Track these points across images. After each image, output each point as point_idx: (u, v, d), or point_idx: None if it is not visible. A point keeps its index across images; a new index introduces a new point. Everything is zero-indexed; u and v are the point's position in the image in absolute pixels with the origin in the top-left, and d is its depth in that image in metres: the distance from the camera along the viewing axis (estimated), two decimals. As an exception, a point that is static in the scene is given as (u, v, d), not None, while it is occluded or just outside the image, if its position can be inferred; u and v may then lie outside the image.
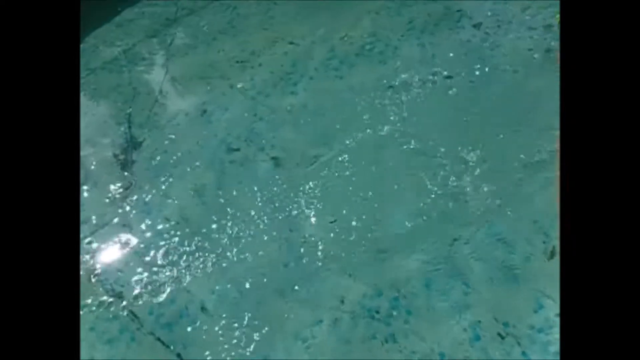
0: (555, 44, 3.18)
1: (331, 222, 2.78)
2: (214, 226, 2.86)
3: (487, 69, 3.15)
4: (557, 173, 0.85)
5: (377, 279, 2.53)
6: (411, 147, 2.93)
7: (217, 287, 2.66)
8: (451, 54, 3.27)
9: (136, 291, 2.71)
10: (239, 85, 3.41)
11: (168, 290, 2.68)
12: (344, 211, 2.78)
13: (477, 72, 3.15)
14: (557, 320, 2.26)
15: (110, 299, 2.69)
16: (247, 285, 2.64)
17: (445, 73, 3.19)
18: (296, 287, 2.59)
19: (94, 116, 3.35)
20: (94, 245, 2.89)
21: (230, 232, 2.83)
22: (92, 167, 3.14)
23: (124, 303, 2.67)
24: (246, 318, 2.54)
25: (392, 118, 3.07)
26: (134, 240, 2.88)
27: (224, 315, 2.57)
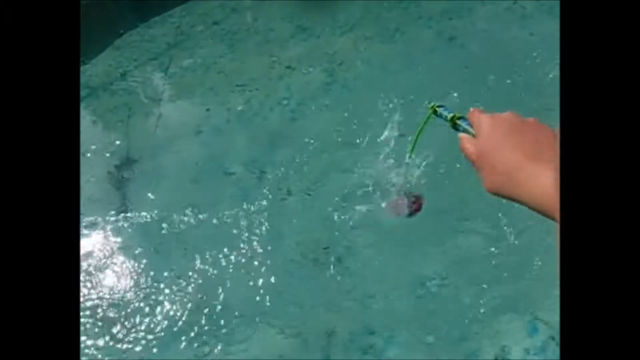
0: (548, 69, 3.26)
1: (324, 249, 2.76)
2: (207, 248, 2.84)
3: (486, 92, 3.20)
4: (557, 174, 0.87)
5: (368, 310, 2.52)
6: (412, 174, 2.93)
7: (209, 310, 2.63)
8: (447, 79, 3.32)
9: (129, 310, 2.68)
10: (237, 109, 3.44)
11: (160, 309, 2.66)
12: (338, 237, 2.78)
13: (476, 97, 3.20)
14: (551, 343, 2.26)
15: (101, 321, 2.66)
16: (237, 310, 2.62)
17: (441, 99, 3.24)
18: (287, 315, 2.56)
19: (91, 136, 3.37)
20: (86, 263, 2.86)
21: (225, 253, 2.81)
22: (87, 186, 3.14)
23: (115, 322, 2.64)
24: (236, 343, 2.51)
25: (390, 144, 3.09)
26: (127, 260, 2.86)
27: (213, 340, 2.54)
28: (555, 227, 0.76)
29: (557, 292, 0.63)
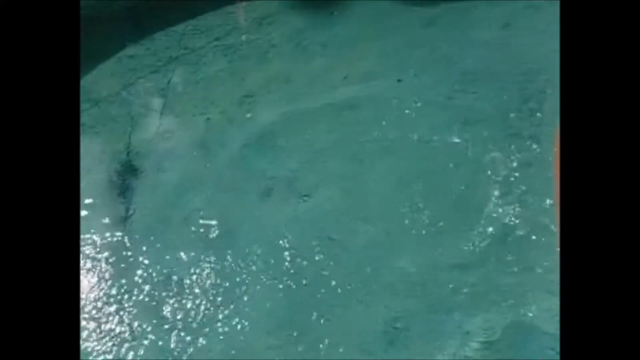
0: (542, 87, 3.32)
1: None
2: (211, 256, 2.89)
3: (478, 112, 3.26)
4: (557, 173, 0.89)
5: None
6: (412, 194, 2.98)
7: (215, 318, 2.67)
8: (445, 94, 3.38)
9: (134, 321, 2.68)
10: (237, 121, 3.49)
11: (165, 320, 2.67)
12: (341, 239, 2.84)
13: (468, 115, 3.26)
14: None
15: (107, 328, 2.66)
16: (245, 317, 2.65)
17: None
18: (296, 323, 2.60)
19: (93, 145, 3.41)
20: (89, 274, 2.87)
21: (228, 261, 2.86)
22: (90, 195, 3.17)
23: (123, 332, 2.64)
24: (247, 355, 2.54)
25: (392, 155, 3.15)
26: (131, 269, 2.89)
27: (221, 348, 2.56)
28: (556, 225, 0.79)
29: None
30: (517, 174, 2.94)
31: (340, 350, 2.48)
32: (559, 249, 0.83)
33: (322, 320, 2.58)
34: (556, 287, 2.34)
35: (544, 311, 2.41)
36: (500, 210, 2.84)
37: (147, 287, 2.81)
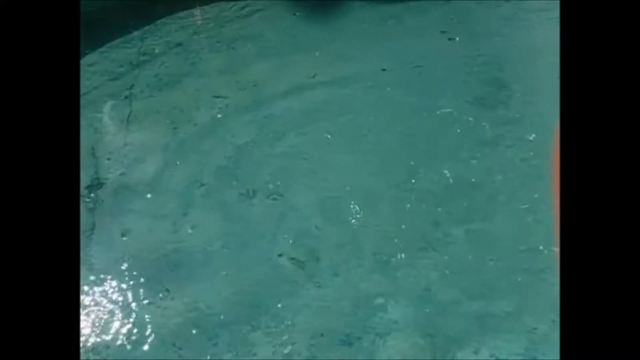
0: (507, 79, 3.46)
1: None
2: (182, 263, 2.85)
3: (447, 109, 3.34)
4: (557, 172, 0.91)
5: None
6: (386, 198, 3.01)
7: (184, 328, 2.63)
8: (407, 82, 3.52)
9: (103, 334, 2.63)
10: (204, 125, 3.44)
11: (133, 330, 2.62)
12: (311, 242, 2.85)
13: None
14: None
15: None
16: (215, 323, 2.63)
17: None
18: (266, 320, 2.61)
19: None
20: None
21: (199, 267, 2.83)
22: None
23: (87, 345, 2.58)
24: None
25: (364, 157, 3.18)
26: (98, 280, 2.82)
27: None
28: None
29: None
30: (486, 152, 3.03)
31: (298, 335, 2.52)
32: (558, 249, 0.84)
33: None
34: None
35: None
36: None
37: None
